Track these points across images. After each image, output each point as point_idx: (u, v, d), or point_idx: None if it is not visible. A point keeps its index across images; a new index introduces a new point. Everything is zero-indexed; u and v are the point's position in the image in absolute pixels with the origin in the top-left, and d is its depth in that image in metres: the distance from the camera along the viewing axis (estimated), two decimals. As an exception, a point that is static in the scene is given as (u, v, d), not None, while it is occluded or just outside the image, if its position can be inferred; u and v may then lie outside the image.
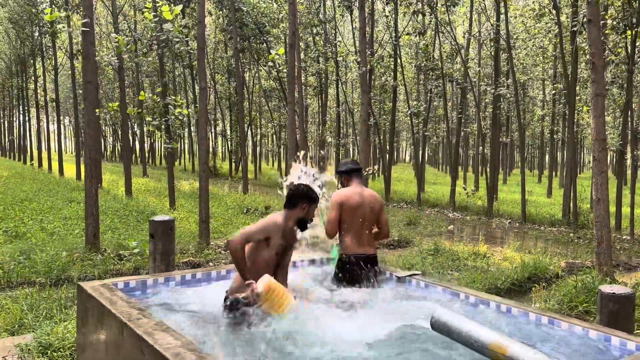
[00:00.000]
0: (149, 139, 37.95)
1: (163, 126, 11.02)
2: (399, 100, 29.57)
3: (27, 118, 29.60)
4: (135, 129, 33.44)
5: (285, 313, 2.88)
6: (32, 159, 30.82)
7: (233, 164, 30.64)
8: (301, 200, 3.29)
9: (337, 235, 4.06)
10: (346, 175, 4.19)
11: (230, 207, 13.31)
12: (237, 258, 3.04)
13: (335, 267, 4.05)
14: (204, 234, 8.28)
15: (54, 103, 21.63)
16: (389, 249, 9.24)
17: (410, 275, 4.03)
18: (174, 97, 11.16)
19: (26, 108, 28.83)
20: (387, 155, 19.52)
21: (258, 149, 39.59)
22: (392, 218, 13.38)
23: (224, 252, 8.12)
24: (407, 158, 70.87)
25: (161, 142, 34.08)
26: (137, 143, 36.67)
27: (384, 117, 23.22)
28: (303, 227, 3.31)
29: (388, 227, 4.20)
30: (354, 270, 3.94)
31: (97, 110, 11.03)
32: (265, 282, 2.93)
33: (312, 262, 4.46)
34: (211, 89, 29.66)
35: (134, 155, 42.66)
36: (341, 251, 4.06)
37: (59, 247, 7.47)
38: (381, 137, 22.02)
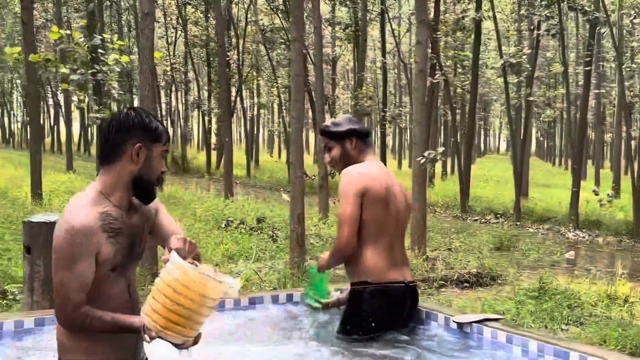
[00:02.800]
0: (77, 110, 37.85)
1: (89, 83, 11.16)
2: (488, 47, 28.38)
3: None
4: (57, 96, 33.37)
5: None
6: None
7: (214, 153, 31.14)
8: (128, 139, 2.66)
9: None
10: (359, 141, 3.98)
11: (201, 218, 13.61)
12: (94, 328, 2.62)
13: (350, 307, 3.90)
14: (144, 258, 7.90)
15: None
16: (459, 287, 9.10)
17: (480, 321, 3.86)
18: (108, 36, 11.24)
19: None
20: (466, 137, 18.91)
21: (255, 128, 39.01)
22: (469, 239, 13.33)
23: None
24: (504, 145, 69.91)
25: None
26: (60, 118, 36.69)
27: (460, 72, 22.36)
28: (146, 194, 2.75)
29: None
30: (390, 313, 3.85)
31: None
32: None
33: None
34: (179, 31, 29.24)
35: (51, 137, 42.65)
36: (360, 276, 3.85)
37: None
38: (454, 107, 21.44)
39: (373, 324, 3.81)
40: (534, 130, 52.30)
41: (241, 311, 4.22)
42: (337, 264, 3.97)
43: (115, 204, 2.65)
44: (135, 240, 2.75)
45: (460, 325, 3.90)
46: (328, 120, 4.12)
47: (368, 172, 3.85)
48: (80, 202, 2.61)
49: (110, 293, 2.66)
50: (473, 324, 3.85)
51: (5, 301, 6.79)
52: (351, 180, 3.79)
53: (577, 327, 7.09)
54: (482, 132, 62.28)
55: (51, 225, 4.81)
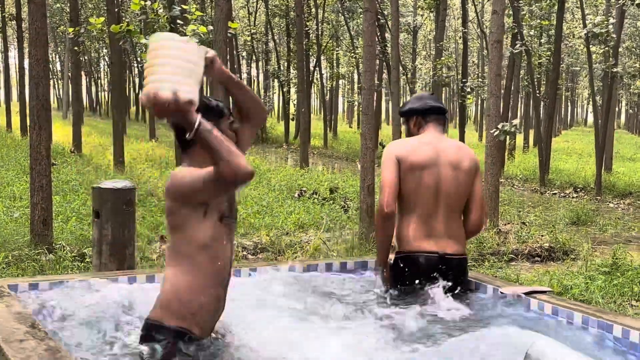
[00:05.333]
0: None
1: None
2: (576, 15, 27.54)
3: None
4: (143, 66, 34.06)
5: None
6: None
7: (292, 123, 31.41)
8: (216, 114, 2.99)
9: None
10: (419, 117, 4.05)
11: (274, 188, 13.81)
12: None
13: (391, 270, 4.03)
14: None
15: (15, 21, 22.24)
16: (530, 262, 9.00)
17: (528, 294, 3.82)
18: (187, 7, 11.10)
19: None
20: (547, 109, 18.47)
21: (333, 98, 39.08)
22: (546, 213, 13.03)
23: (252, 257, 8.37)
24: (591, 118, 68.82)
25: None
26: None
27: (545, 42, 21.74)
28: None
29: (484, 211, 4.06)
30: (418, 281, 3.87)
31: (71, 30, 11.48)
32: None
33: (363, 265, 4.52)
34: (260, 1, 29.37)
35: (136, 106, 43.39)
36: (396, 246, 3.97)
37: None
38: (536, 80, 20.83)
39: (400, 291, 3.91)
40: (623, 102, 50.39)
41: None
42: (383, 230, 3.94)
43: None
44: (230, 200, 3.04)
45: (505, 296, 3.88)
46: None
47: (404, 143, 4.01)
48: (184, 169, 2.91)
49: (219, 245, 2.91)
50: (522, 295, 3.83)
51: (83, 264, 7.04)
52: (386, 150, 3.95)
53: (646, 304, 7.05)
54: (569, 104, 60.48)
55: (118, 191, 4.98)
